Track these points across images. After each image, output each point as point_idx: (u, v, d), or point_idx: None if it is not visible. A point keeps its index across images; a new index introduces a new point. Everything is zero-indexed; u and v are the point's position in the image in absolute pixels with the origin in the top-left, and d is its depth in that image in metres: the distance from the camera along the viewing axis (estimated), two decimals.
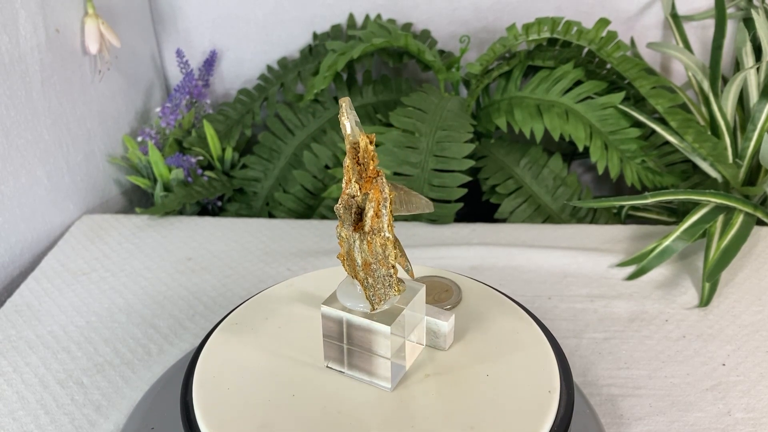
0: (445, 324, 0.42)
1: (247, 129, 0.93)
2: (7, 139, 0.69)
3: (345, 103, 0.37)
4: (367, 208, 0.37)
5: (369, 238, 0.38)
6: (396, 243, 0.39)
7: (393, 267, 0.39)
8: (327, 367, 0.42)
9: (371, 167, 0.37)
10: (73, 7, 0.78)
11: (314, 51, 0.96)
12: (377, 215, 0.37)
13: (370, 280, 0.39)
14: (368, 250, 0.38)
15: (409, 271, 0.42)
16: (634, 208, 0.83)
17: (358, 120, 0.38)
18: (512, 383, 0.41)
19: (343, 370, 0.41)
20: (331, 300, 0.40)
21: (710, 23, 0.91)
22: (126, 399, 0.53)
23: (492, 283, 0.65)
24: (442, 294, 0.48)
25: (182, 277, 0.68)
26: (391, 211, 0.38)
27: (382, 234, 0.37)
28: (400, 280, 0.40)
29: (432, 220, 0.77)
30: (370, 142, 0.37)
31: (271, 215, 0.88)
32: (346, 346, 0.40)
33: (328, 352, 0.41)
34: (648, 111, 0.83)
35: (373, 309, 0.39)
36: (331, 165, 0.86)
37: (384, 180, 0.37)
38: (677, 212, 0.82)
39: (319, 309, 0.47)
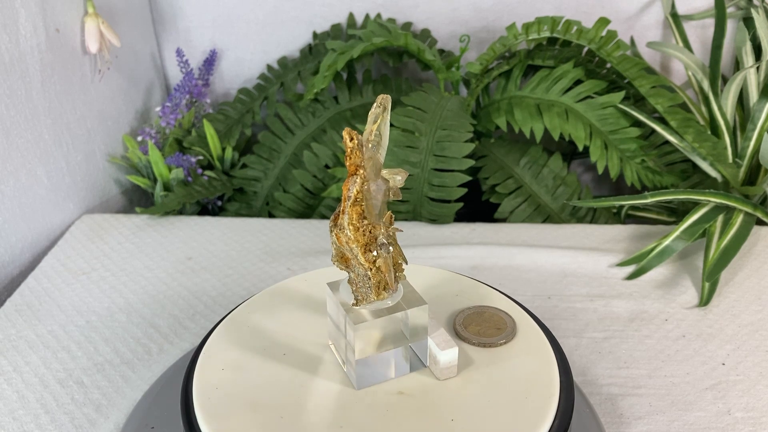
0: (441, 354, 0.41)
1: (247, 128, 0.93)
2: (7, 138, 0.69)
3: (380, 99, 0.37)
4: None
5: (336, 232, 0.39)
6: (370, 247, 0.39)
7: (371, 270, 0.39)
8: (330, 344, 0.43)
9: (348, 163, 0.38)
10: (73, 7, 0.78)
11: (314, 50, 0.96)
12: (342, 211, 0.38)
13: (352, 275, 0.40)
14: (338, 243, 0.39)
15: (388, 281, 0.40)
16: (633, 207, 0.83)
17: (386, 123, 0.37)
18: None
19: (336, 353, 0.43)
20: (336, 283, 0.42)
21: (710, 22, 0.91)
22: (126, 398, 0.53)
23: (492, 283, 0.65)
24: (489, 330, 0.44)
25: (182, 276, 0.68)
26: (360, 213, 0.38)
27: (345, 232, 0.38)
28: (385, 287, 0.40)
29: (432, 219, 0.77)
30: (351, 139, 0.37)
31: (271, 215, 0.88)
32: (338, 329, 0.42)
33: (330, 330, 0.43)
34: (648, 110, 0.83)
35: (356, 304, 0.40)
36: (331, 164, 0.86)
37: (357, 179, 0.38)
38: (677, 212, 0.82)
39: (318, 309, 0.47)
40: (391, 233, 0.40)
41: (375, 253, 0.39)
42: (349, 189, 0.38)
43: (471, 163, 0.76)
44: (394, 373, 0.41)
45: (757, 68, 0.81)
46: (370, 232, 0.39)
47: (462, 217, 0.80)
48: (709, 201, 0.70)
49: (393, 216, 0.41)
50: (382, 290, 0.40)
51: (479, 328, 0.44)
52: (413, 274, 0.48)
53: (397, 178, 0.39)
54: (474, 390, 0.40)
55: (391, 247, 0.40)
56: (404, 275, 0.41)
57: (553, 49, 0.87)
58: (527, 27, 0.81)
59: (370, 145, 0.38)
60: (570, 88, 0.82)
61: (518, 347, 0.43)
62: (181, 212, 0.86)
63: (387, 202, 0.39)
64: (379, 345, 0.41)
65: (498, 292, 0.49)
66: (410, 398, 0.40)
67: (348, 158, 0.38)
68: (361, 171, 0.38)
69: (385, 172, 0.39)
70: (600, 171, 0.79)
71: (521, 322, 0.45)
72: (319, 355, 0.43)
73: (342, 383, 0.41)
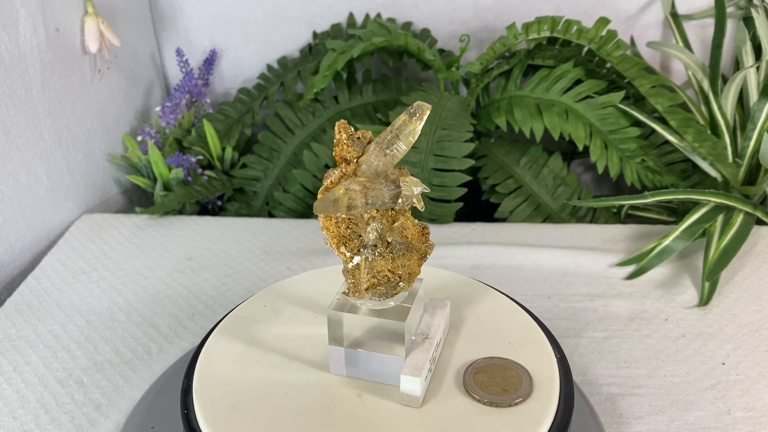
0: (402, 379, 0.39)
1: (247, 128, 0.93)
2: (6, 138, 0.69)
3: (414, 106, 0.37)
4: None
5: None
6: (348, 242, 0.39)
7: (348, 263, 0.39)
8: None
9: (334, 152, 0.38)
10: (73, 7, 0.78)
11: (314, 50, 0.96)
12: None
13: (342, 265, 0.40)
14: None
15: (357, 282, 0.39)
16: (633, 207, 0.83)
17: (412, 131, 0.37)
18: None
19: None
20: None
21: (710, 22, 0.91)
22: (126, 398, 0.53)
23: (492, 283, 0.65)
24: (495, 387, 0.40)
25: (182, 276, 0.68)
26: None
27: (319, 218, 0.38)
28: (358, 286, 0.39)
29: (432, 219, 0.77)
30: (339, 131, 0.37)
31: (271, 215, 0.88)
32: None
33: None
34: (648, 110, 0.83)
35: (347, 294, 0.40)
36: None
37: (336, 172, 0.38)
38: (677, 212, 0.82)
39: (318, 308, 0.47)
40: (390, 239, 0.39)
41: (355, 249, 0.39)
42: (326, 177, 0.38)
43: (471, 162, 0.76)
44: (373, 376, 0.41)
45: (757, 68, 0.81)
46: (348, 227, 0.39)
47: (462, 216, 0.80)
48: (709, 201, 0.70)
49: (426, 229, 0.40)
50: (363, 289, 0.39)
51: (489, 380, 0.41)
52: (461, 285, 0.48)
53: (414, 189, 0.38)
54: (422, 429, 0.38)
55: (377, 251, 0.38)
56: (407, 286, 0.40)
57: (553, 49, 0.87)
58: (527, 27, 0.81)
59: (384, 147, 0.37)
60: (570, 88, 0.82)
61: (510, 419, 0.39)
62: (181, 212, 0.86)
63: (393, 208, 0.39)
64: (359, 342, 0.40)
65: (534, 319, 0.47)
66: (359, 404, 0.40)
67: (335, 148, 0.38)
68: (344, 166, 0.38)
69: (407, 180, 0.38)
70: (600, 171, 0.79)
71: (531, 369, 0.42)
72: (318, 354, 0.43)
73: (323, 368, 0.42)
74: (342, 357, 0.41)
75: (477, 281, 0.50)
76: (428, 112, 0.37)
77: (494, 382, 0.40)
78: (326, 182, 0.38)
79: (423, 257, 0.40)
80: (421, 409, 0.39)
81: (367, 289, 0.39)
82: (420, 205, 0.38)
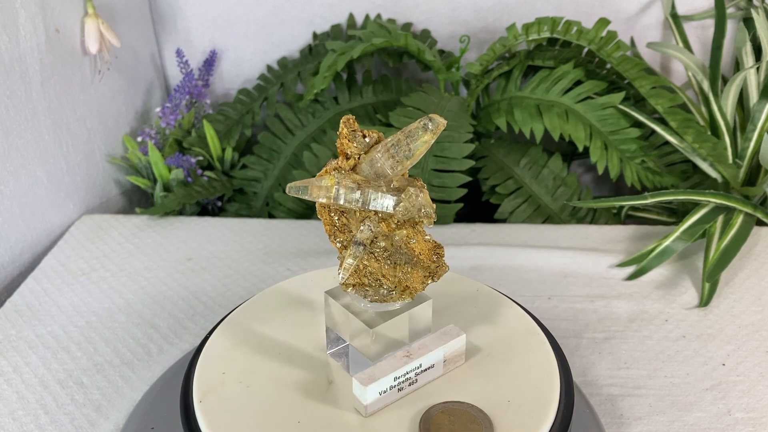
0: (354, 385, 0.38)
1: (247, 129, 0.93)
2: (7, 139, 0.69)
3: (427, 118, 0.36)
4: None
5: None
6: (339, 234, 0.39)
7: (341, 253, 0.39)
8: None
9: (337, 143, 0.38)
10: (73, 7, 0.78)
11: (314, 51, 0.96)
12: None
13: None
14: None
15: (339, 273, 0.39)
16: (633, 208, 0.83)
17: (423, 142, 0.36)
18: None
19: None
20: None
21: (710, 23, 0.91)
22: (126, 399, 0.53)
23: (492, 283, 0.65)
24: None
25: (182, 277, 0.68)
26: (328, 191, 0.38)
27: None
28: (355, 285, 0.39)
29: None
30: (343, 125, 0.37)
31: (271, 215, 0.88)
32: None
33: None
34: (648, 111, 0.83)
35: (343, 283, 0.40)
36: None
37: (332, 163, 0.38)
38: (677, 212, 0.82)
39: (318, 309, 0.47)
40: (383, 243, 0.39)
41: (345, 242, 0.39)
42: (325, 166, 0.38)
43: (471, 163, 0.76)
44: (353, 371, 0.42)
45: (757, 69, 0.81)
46: (340, 219, 0.39)
47: (462, 217, 0.80)
48: (709, 201, 0.70)
49: (440, 249, 0.39)
50: (342, 282, 0.39)
51: (446, 424, 0.38)
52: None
53: (417, 199, 0.37)
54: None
55: (362, 248, 0.38)
56: (399, 298, 0.40)
57: (553, 50, 0.87)
58: (527, 27, 0.81)
59: (391, 151, 0.37)
60: (570, 89, 0.82)
61: None
62: (181, 213, 0.86)
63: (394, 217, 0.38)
64: (349, 332, 0.41)
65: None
66: (322, 391, 0.40)
67: (337, 141, 0.38)
68: (341, 159, 0.38)
69: (413, 194, 0.37)
70: (600, 171, 0.79)
71: (491, 414, 0.39)
72: (318, 354, 0.43)
73: (321, 363, 0.43)
74: (332, 341, 0.42)
75: (488, 287, 0.50)
76: (443, 128, 0.35)
77: (450, 428, 0.38)
78: (320, 172, 0.38)
79: (431, 276, 0.39)
80: (366, 420, 0.39)
81: (353, 286, 0.39)
82: (428, 222, 0.37)
